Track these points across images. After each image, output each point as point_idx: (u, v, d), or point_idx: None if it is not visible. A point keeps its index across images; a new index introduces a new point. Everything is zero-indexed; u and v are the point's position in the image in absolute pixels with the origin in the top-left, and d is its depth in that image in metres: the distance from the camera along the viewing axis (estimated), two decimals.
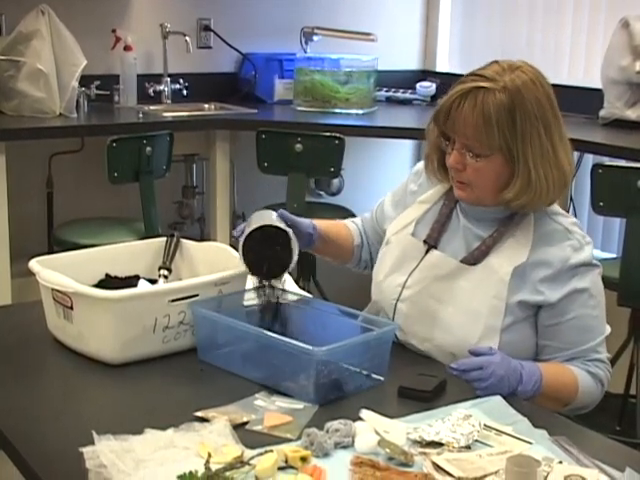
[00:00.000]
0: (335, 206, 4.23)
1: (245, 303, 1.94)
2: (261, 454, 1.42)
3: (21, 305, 2.49)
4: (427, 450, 1.48)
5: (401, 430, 1.53)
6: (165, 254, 2.14)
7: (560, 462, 1.43)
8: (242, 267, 1.88)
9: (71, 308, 1.82)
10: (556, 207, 1.94)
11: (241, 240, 1.87)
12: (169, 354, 1.85)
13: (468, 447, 1.49)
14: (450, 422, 1.54)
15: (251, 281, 1.95)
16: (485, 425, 1.55)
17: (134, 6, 4.45)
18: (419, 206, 2.05)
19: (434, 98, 4.75)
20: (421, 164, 2.07)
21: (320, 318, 1.88)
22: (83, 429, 1.49)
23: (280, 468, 1.41)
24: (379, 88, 4.72)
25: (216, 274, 1.91)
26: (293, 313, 1.94)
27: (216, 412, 1.58)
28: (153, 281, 2.09)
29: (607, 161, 3.52)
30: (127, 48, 4.29)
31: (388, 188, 2.21)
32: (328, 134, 3.80)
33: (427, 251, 1.97)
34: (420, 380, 1.72)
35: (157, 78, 4.48)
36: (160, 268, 2.12)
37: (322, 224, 2.09)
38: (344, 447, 1.49)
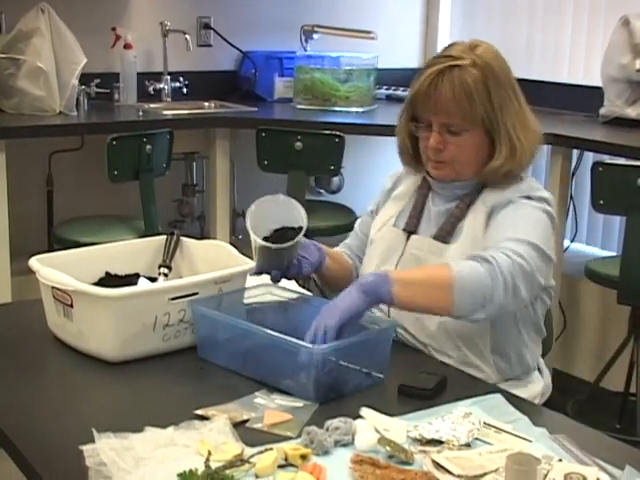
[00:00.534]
0: (335, 204, 4.23)
1: (245, 301, 1.94)
2: (261, 452, 1.42)
3: (21, 303, 2.49)
4: (427, 448, 1.48)
5: (401, 428, 1.53)
6: (165, 252, 2.14)
7: (560, 460, 1.43)
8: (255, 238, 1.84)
9: (71, 306, 1.82)
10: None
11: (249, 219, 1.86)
12: (169, 352, 1.86)
13: (468, 445, 1.50)
14: (450, 420, 1.54)
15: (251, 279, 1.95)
16: (485, 423, 1.55)
17: (134, 4, 4.45)
18: (395, 202, 2.09)
19: None
20: (397, 170, 2.14)
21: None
22: (83, 427, 1.49)
23: (280, 466, 1.41)
24: (379, 86, 4.72)
25: (216, 272, 1.91)
26: (293, 311, 1.94)
27: (216, 410, 1.58)
28: (153, 279, 2.09)
29: (607, 159, 3.53)
30: (127, 46, 4.29)
31: None
32: (328, 132, 3.80)
33: (408, 238, 2.00)
34: (420, 378, 1.72)
35: (157, 76, 4.48)
36: (160, 266, 2.12)
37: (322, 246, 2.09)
38: (344, 445, 1.49)
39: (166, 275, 2.11)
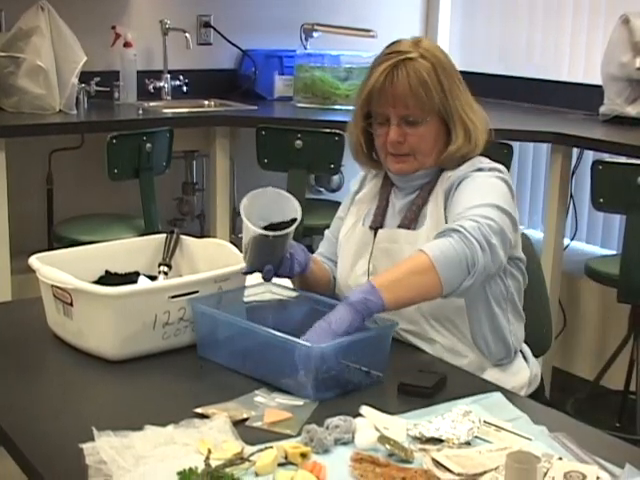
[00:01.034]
0: (335, 202, 4.20)
1: (245, 300, 1.94)
2: (261, 450, 1.42)
3: (21, 302, 2.49)
4: (427, 446, 1.48)
5: (401, 426, 1.53)
6: (165, 251, 2.14)
7: (560, 458, 1.43)
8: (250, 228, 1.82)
9: (71, 305, 1.82)
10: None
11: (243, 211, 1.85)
12: (169, 350, 1.86)
13: (468, 443, 1.50)
14: (450, 418, 1.54)
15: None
16: (485, 421, 1.55)
17: (134, 3, 4.45)
18: (359, 206, 2.13)
19: None
20: (362, 173, 2.17)
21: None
22: (83, 425, 1.49)
23: (280, 464, 1.41)
24: None
25: (216, 270, 1.91)
26: (293, 309, 1.94)
27: (216, 408, 1.58)
28: (153, 278, 2.09)
29: (607, 158, 3.53)
30: (127, 44, 4.29)
31: None
32: (328, 130, 3.79)
33: (375, 234, 2.04)
34: (420, 376, 1.72)
35: (157, 75, 4.48)
36: (160, 265, 2.12)
37: None
38: (344, 443, 1.49)
39: (166, 273, 2.11)
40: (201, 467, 1.36)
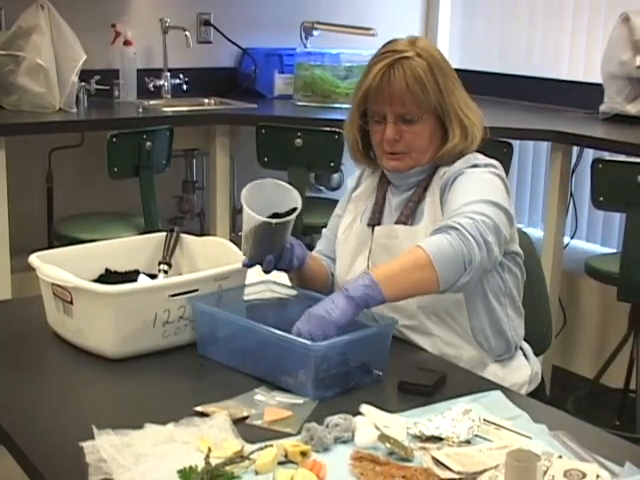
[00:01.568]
0: (335, 201, 4.18)
1: (245, 298, 1.94)
2: (261, 449, 1.42)
3: (21, 300, 2.49)
4: (427, 445, 1.48)
5: (401, 425, 1.53)
6: (165, 249, 2.14)
7: (560, 457, 1.43)
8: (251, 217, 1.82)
9: (71, 303, 1.82)
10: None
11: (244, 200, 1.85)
12: (169, 349, 1.86)
13: (468, 442, 1.50)
14: (450, 417, 1.54)
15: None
16: (485, 420, 1.55)
17: (134, 1, 4.45)
18: (356, 203, 2.15)
19: None
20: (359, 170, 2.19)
21: None
22: (83, 424, 1.49)
23: (280, 463, 1.41)
24: None
25: (216, 269, 1.91)
26: (293, 308, 1.94)
27: (216, 407, 1.58)
28: (153, 276, 2.09)
29: (607, 156, 3.53)
30: (127, 43, 4.29)
31: None
32: (328, 129, 3.79)
33: (373, 231, 2.05)
34: (420, 375, 1.72)
35: (157, 73, 4.48)
36: (160, 263, 2.12)
37: None
38: (344, 442, 1.49)
39: (166, 272, 2.11)
40: (201, 465, 1.36)
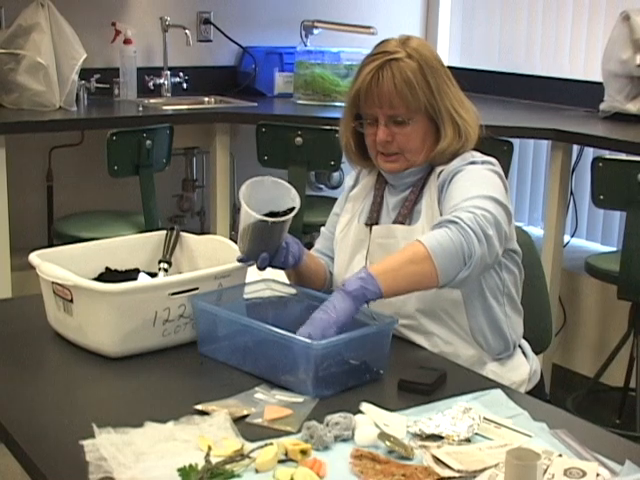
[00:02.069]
0: (335, 199, 4.21)
1: (245, 296, 1.94)
2: (261, 447, 1.42)
3: (21, 298, 2.49)
4: (427, 443, 1.48)
5: (401, 423, 1.53)
6: (165, 247, 2.14)
7: (560, 455, 1.43)
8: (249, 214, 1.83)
9: (71, 301, 1.82)
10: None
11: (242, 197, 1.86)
12: (169, 347, 1.86)
13: (468, 440, 1.50)
14: (450, 415, 1.54)
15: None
16: (485, 418, 1.55)
17: None
18: (353, 201, 2.15)
19: None
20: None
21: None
22: (83, 422, 1.49)
23: (280, 461, 1.41)
24: None
25: (216, 267, 1.91)
26: (293, 306, 1.94)
27: (216, 405, 1.58)
28: (153, 274, 2.09)
29: (607, 154, 3.52)
30: (127, 41, 4.29)
31: None
32: (328, 127, 3.79)
33: (371, 231, 2.05)
34: (420, 373, 1.72)
35: (157, 71, 4.48)
36: (160, 261, 2.12)
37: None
38: (344, 440, 1.49)
39: (166, 270, 2.11)
40: (201, 464, 1.36)
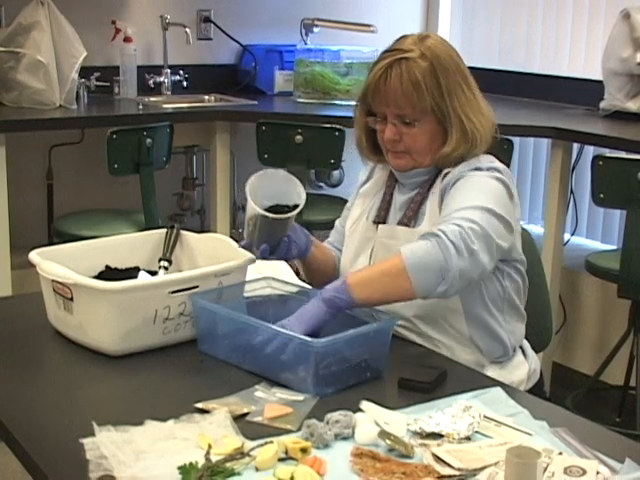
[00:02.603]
0: (335, 198, 4.23)
1: (245, 294, 1.94)
2: (261, 445, 1.42)
3: (21, 296, 2.49)
4: (427, 441, 1.48)
5: (401, 421, 1.53)
6: (165, 246, 2.14)
7: (560, 453, 1.43)
8: (254, 208, 1.86)
9: (71, 299, 1.82)
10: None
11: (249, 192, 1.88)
12: (169, 345, 1.86)
13: (468, 438, 1.50)
14: (450, 413, 1.54)
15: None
16: (485, 416, 1.55)
17: None
18: (363, 199, 2.14)
19: None
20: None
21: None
22: (83, 420, 1.49)
23: (280, 459, 1.41)
24: None
25: (216, 265, 1.91)
26: (293, 305, 1.93)
27: (216, 403, 1.58)
28: (153, 273, 2.09)
29: (608, 153, 3.53)
30: (127, 39, 4.28)
31: None
32: (328, 126, 3.79)
33: (377, 229, 2.05)
34: (420, 371, 1.72)
35: (157, 69, 4.47)
36: (160, 260, 2.12)
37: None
38: (344, 438, 1.49)
39: (166, 268, 2.11)
40: (201, 462, 1.36)
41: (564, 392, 3.77)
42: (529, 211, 4.55)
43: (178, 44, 4.47)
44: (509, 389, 1.72)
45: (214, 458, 1.37)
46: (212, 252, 2.07)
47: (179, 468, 1.35)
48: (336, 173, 4.65)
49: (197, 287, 1.86)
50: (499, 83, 4.66)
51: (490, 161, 1.98)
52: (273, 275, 2.02)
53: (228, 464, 1.37)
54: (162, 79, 4.46)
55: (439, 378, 1.71)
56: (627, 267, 3.29)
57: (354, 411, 1.54)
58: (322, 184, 4.74)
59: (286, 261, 2.00)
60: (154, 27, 4.45)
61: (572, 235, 4.16)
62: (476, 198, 1.86)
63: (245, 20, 4.69)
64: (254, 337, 1.73)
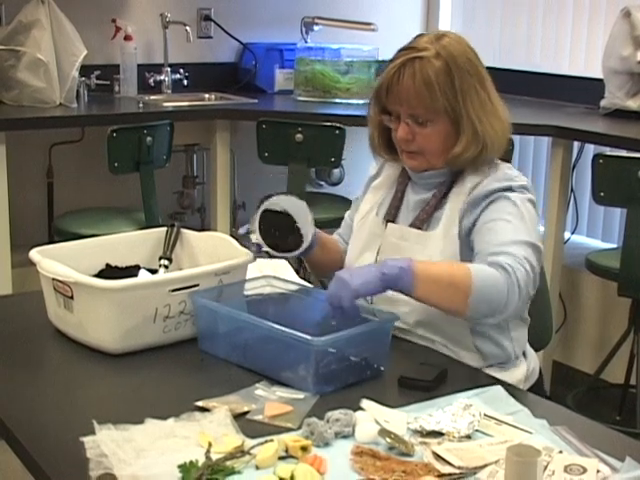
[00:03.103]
0: (335, 196, 4.23)
1: (246, 293, 1.94)
2: (261, 444, 1.42)
3: (22, 295, 2.49)
4: (427, 440, 1.48)
5: (402, 420, 1.53)
6: (165, 244, 2.14)
7: (560, 452, 1.43)
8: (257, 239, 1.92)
9: (71, 298, 1.82)
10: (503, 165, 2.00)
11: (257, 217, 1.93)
12: (169, 344, 1.86)
13: (468, 437, 1.50)
14: (450, 412, 1.54)
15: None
16: (485, 415, 1.56)
17: None
18: (374, 193, 2.12)
19: None
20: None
21: (320, 308, 1.88)
22: (84, 418, 1.49)
23: (280, 458, 1.41)
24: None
25: (216, 264, 1.91)
26: (294, 303, 1.94)
27: (217, 402, 1.58)
28: (153, 271, 2.09)
29: (608, 151, 3.53)
30: (127, 38, 4.28)
31: None
32: (329, 124, 3.79)
33: (386, 227, 2.03)
34: (421, 370, 1.72)
35: (157, 68, 4.47)
36: (160, 258, 2.12)
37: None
38: (344, 437, 1.49)
39: (166, 267, 2.11)
40: (202, 460, 1.36)
41: (564, 390, 3.77)
42: None
43: (178, 42, 4.46)
44: (509, 387, 1.72)
45: (214, 456, 1.37)
46: (212, 250, 2.07)
47: (179, 466, 1.35)
48: (336, 171, 4.65)
49: (197, 285, 1.86)
50: (499, 81, 4.60)
51: (515, 175, 1.95)
52: (273, 273, 2.02)
53: (228, 462, 1.37)
54: (162, 77, 4.46)
55: (439, 376, 1.71)
56: (627, 265, 3.29)
57: (354, 409, 1.54)
58: (322, 182, 4.73)
59: (286, 259, 2.01)
60: (154, 25, 4.45)
61: (572, 233, 4.16)
62: (523, 231, 1.85)
63: (245, 18, 4.69)
64: (254, 335, 1.73)
